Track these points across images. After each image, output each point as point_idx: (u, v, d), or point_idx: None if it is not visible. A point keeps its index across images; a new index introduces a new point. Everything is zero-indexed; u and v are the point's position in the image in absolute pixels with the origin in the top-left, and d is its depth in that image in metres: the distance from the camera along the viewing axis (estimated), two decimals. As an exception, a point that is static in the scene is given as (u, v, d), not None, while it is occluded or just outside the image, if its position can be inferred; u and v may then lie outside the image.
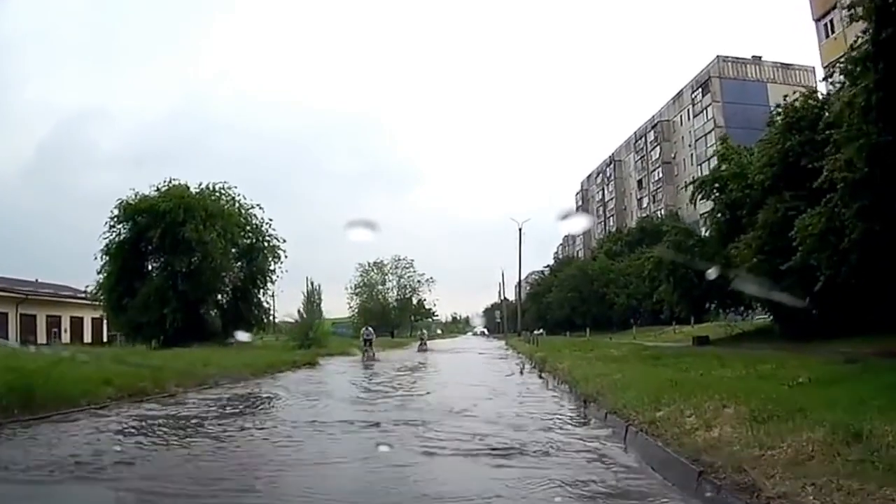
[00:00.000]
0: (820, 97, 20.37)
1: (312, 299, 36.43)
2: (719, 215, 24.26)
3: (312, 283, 37.58)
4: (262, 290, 37.48)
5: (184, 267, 35.40)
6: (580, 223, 62.08)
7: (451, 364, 24.83)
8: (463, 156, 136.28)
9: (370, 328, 31.99)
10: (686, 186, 26.66)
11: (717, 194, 24.02)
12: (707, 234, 25.25)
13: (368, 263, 68.72)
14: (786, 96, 20.98)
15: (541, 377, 16.26)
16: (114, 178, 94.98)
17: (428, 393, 13.08)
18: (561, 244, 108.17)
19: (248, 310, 37.03)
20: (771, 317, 24.59)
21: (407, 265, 70.41)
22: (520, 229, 50.66)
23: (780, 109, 20.25)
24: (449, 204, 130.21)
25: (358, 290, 67.01)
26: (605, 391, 9.22)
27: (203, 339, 30.92)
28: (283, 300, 75.16)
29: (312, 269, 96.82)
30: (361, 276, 68.51)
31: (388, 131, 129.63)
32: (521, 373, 18.73)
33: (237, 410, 9.91)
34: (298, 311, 35.85)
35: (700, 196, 24.49)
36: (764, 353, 15.42)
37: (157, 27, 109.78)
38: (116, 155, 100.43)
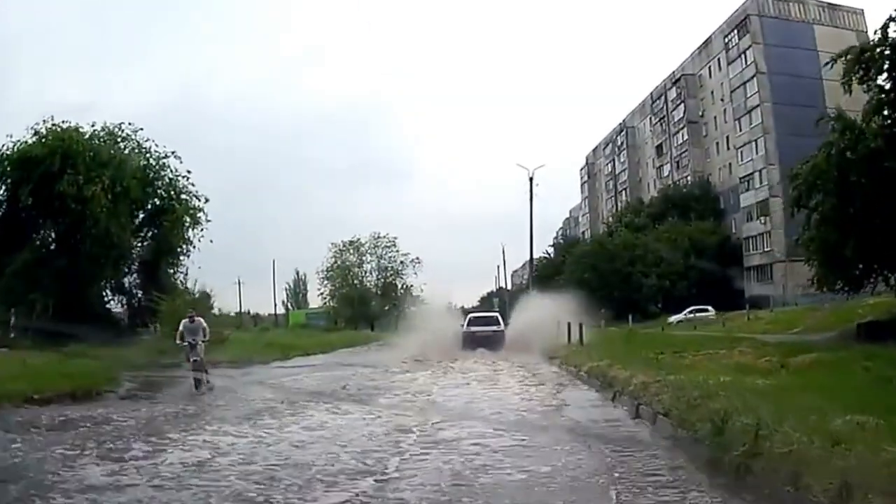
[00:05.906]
0: None
1: (298, 290, 28.40)
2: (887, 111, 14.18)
3: (298, 273, 28.38)
4: (174, 267, 27.33)
5: (61, 234, 25.84)
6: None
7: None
8: (455, 144, 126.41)
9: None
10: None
11: (891, 73, 13.93)
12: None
13: (343, 242, 58.08)
14: None
15: None
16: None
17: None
18: (562, 227, 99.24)
19: (158, 292, 27.16)
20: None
21: (388, 244, 59.17)
22: (531, 179, 40.08)
23: None
24: (441, 193, 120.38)
25: (330, 274, 56.44)
26: None
27: (102, 331, 22.12)
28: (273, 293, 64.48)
29: (303, 264, 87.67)
30: (335, 256, 57.96)
31: (380, 118, 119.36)
32: None
33: None
34: (283, 302, 29.31)
35: (857, 78, 14.39)
36: None
37: (150, 23, 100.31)
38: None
